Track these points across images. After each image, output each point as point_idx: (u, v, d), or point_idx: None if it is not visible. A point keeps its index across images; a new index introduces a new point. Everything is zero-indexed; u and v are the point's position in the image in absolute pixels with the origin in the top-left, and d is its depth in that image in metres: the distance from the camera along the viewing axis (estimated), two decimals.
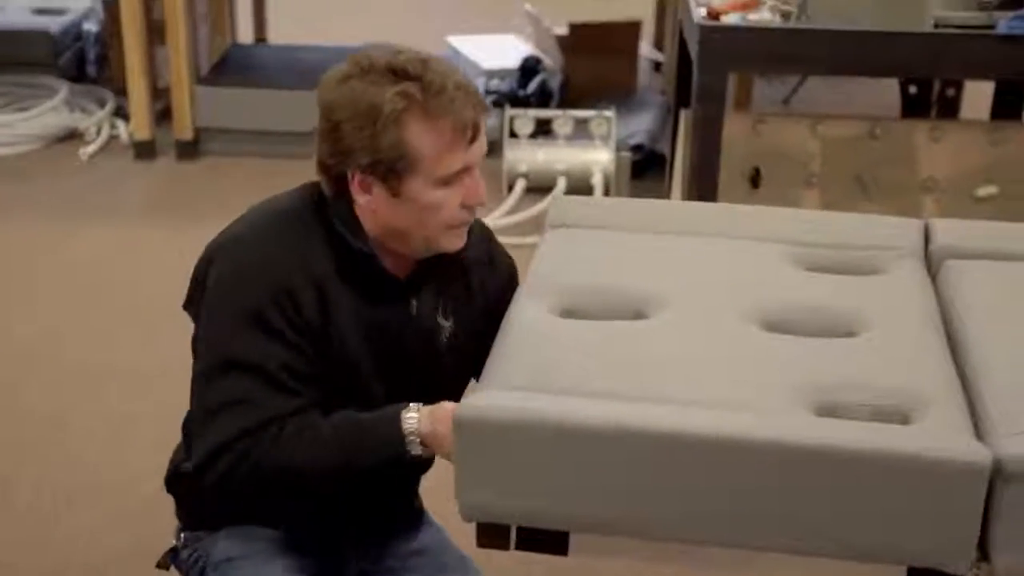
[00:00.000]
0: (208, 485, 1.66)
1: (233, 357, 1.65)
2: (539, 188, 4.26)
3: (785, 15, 3.14)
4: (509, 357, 1.54)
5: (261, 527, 1.79)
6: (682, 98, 3.57)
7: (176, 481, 1.84)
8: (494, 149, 4.51)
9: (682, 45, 3.55)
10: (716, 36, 3.02)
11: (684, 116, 3.49)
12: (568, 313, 1.65)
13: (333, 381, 1.70)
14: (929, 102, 4.15)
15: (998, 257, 1.78)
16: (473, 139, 1.66)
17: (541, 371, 1.49)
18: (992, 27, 3.03)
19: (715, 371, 1.48)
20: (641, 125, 4.70)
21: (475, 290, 1.82)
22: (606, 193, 4.28)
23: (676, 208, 2.07)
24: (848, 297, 1.67)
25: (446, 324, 1.79)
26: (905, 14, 2.97)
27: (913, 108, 4.19)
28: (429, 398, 1.74)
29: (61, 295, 3.56)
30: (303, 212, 1.73)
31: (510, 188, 4.24)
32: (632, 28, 5.22)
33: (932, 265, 1.80)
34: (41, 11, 5.30)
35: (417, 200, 1.67)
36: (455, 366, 1.81)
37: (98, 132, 4.75)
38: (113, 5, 4.73)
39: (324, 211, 1.72)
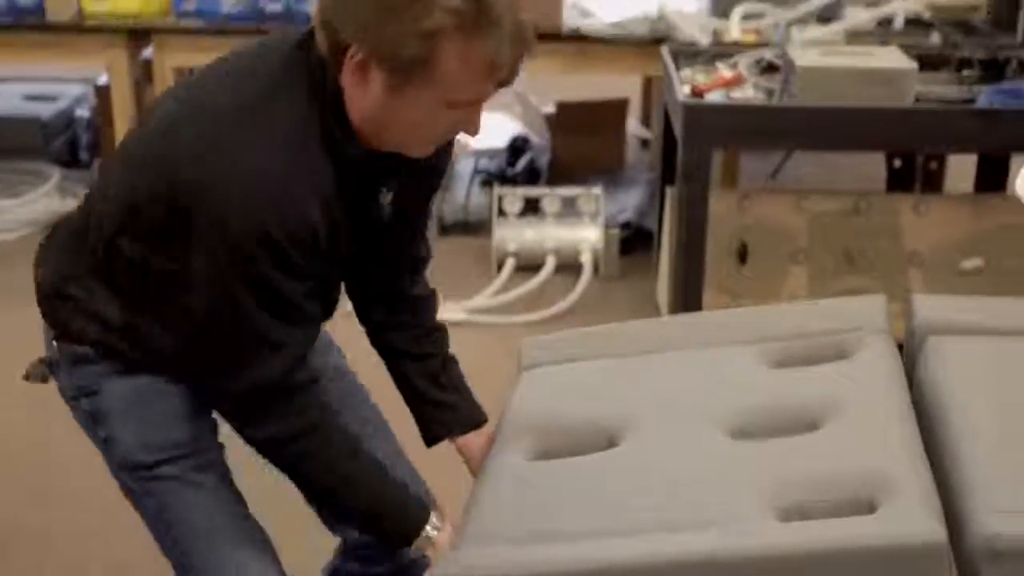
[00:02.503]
0: (242, 409, 1.65)
1: (257, 295, 1.55)
2: (528, 267, 4.27)
3: (768, 92, 3.18)
4: (484, 509, 1.56)
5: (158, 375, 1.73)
6: (668, 175, 3.60)
7: (60, 292, 1.73)
8: (483, 227, 4.54)
9: (667, 123, 3.58)
10: (700, 114, 3.06)
11: (670, 193, 3.52)
12: (542, 455, 1.65)
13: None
14: (913, 175, 4.19)
15: (982, 332, 1.78)
16: (503, 81, 1.52)
17: (515, 520, 1.51)
18: (972, 101, 3.07)
19: (683, 490, 1.49)
20: (629, 202, 4.73)
21: (424, 165, 1.71)
22: (596, 270, 4.29)
23: (644, 327, 2.06)
24: (813, 389, 1.68)
25: (387, 201, 1.72)
26: (887, 89, 3.01)
27: (898, 181, 4.22)
28: (371, 266, 1.79)
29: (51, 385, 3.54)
30: (301, 111, 1.55)
31: (499, 267, 4.25)
32: (619, 106, 5.26)
33: (915, 342, 1.80)
34: (32, 98, 5.34)
35: (414, 109, 1.52)
36: (394, 232, 1.78)
37: None
38: (105, 90, 4.77)
39: (318, 100, 1.55)
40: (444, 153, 1.76)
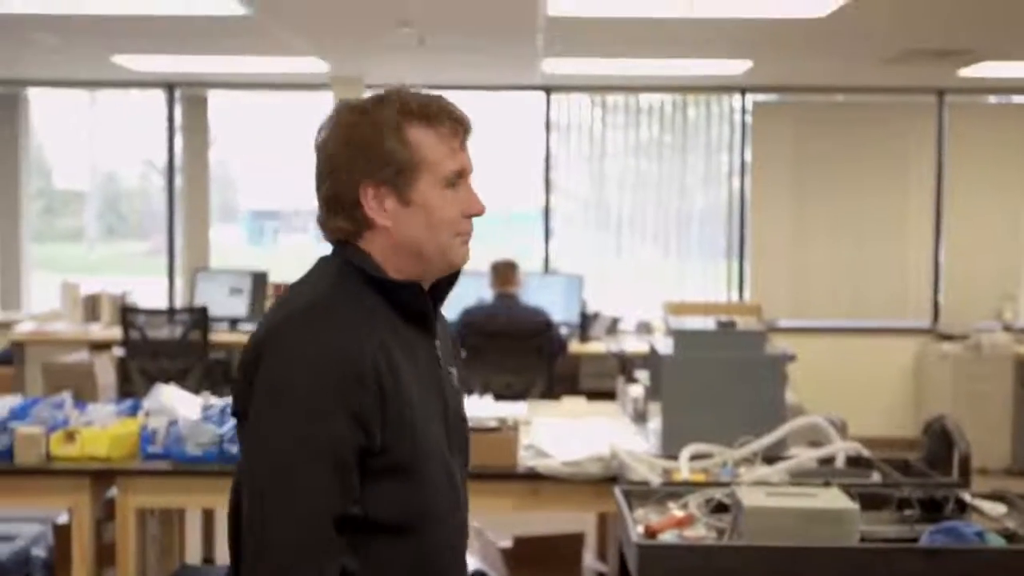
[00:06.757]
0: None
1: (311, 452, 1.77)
2: None
3: (719, 531, 3.27)
4: None
5: None
6: None
7: None
8: None
9: (622, 560, 3.65)
10: (654, 555, 3.13)
11: None
12: None
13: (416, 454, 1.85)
14: None
15: None
16: (464, 142, 1.94)
17: None
18: (915, 540, 3.18)
19: None
20: None
21: (452, 339, 2.08)
22: None
23: None
24: None
25: (452, 371, 2.01)
26: (832, 529, 3.12)
27: None
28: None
29: None
30: (346, 280, 1.90)
31: None
32: (575, 540, 5.34)
33: None
34: None
35: (427, 203, 1.90)
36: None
37: None
38: (64, 530, 4.79)
39: (354, 269, 1.90)
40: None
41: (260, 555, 1.79)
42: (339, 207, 1.91)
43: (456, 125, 1.93)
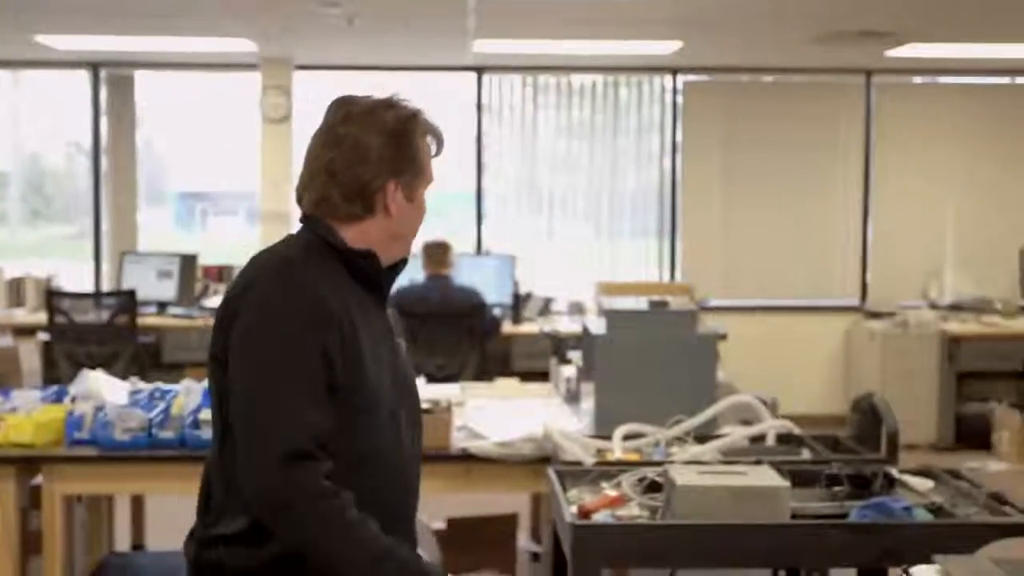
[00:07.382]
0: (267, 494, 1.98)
1: (288, 373, 1.98)
2: None
3: (652, 510, 3.28)
4: None
5: None
6: None
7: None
8: None
9: (556, 540, 3.65)
10: (587, 535, 3.14)
11: None
12: None
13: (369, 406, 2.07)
14: None
15: None
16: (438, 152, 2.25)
17: None
18: (845, 516, 3.21)
19: None
20: None
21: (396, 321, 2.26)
22: None
23: None
24: None
25: (401, 343, 2.23)
26: (763, 507, 3.14)
27: None
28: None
29: None
30: (312, 248, 2.11)
31: None
32: (508, 521, 5.34)
33: None
34: None
35: (420, 203, 2.20)
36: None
37: None
38: None
39: (320, 242, 2.12)
40: None
41: (251, 467, 1.99)
42: (360, 193, 2.13)
43: (441, 145, 2.24)
